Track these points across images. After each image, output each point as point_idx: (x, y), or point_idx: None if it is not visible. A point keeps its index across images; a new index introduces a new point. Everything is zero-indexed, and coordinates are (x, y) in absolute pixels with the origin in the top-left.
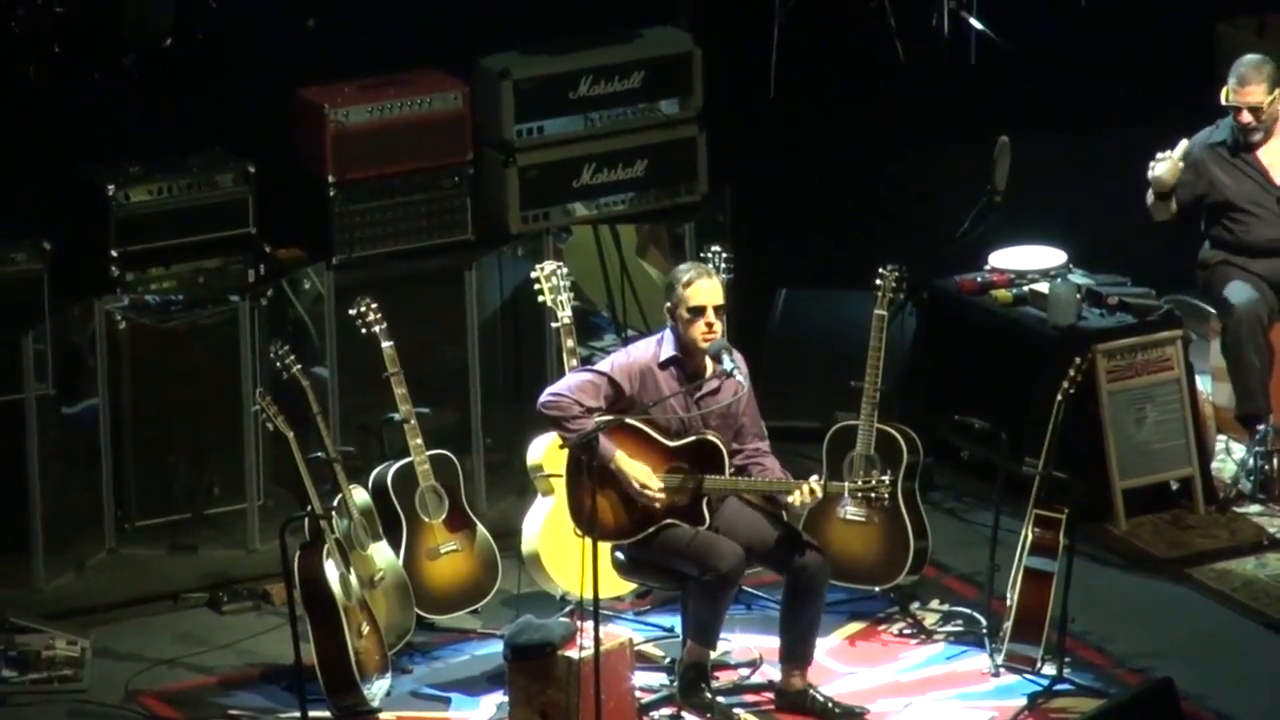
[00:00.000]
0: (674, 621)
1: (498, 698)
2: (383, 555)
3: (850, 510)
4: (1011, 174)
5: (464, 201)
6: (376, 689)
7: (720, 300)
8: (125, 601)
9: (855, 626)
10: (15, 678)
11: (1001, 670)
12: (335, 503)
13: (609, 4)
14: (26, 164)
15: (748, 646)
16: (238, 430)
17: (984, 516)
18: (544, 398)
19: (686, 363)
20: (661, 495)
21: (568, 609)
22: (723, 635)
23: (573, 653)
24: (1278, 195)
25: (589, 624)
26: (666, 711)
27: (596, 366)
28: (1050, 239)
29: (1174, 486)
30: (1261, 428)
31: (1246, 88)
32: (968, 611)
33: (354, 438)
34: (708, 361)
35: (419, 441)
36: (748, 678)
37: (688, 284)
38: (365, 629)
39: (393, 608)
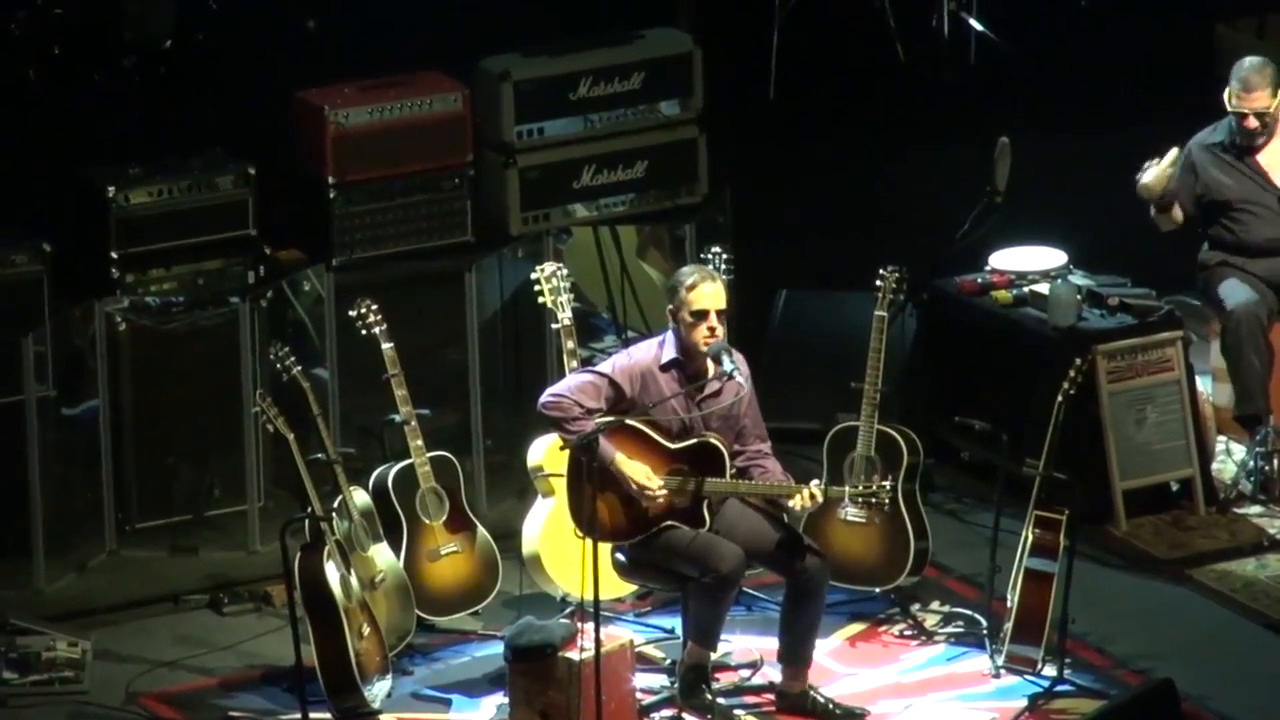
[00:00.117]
0: (674, 623)
1: (498, 699)
2: (383, 557)
3: (851, 512)
4: (1012, 175)
5: (464, 203)
6: (377, 690)
7: (723, 304)
8: (126, 603)
9: (856, 628)
10: (16, 679)
11: (1002, 671)
12: (336, 504)
13: (609, 5)
14: (27, 165)
15: (748, 648)
16: (238, 432)
17: (984, 518)
18: (544, 399)
19: (688, 365)
20: (662, 494)
21: (568, 610)
22: (723, 637)
23: (573, 654)
24: (1277, 195)
25: (589, 625)
26: (667, 713)
27: (597, 368)
28: (1050, 240)
29: (1174, 487)
30: (1262, 428)
31: (1253, 94)
32: (968, 613)
33: (354, 439)
34: (709, 363)
35: (419, 443)
36: (748, 679)
37: (691, 287)
38: (366, 630)
39: (393, 609)
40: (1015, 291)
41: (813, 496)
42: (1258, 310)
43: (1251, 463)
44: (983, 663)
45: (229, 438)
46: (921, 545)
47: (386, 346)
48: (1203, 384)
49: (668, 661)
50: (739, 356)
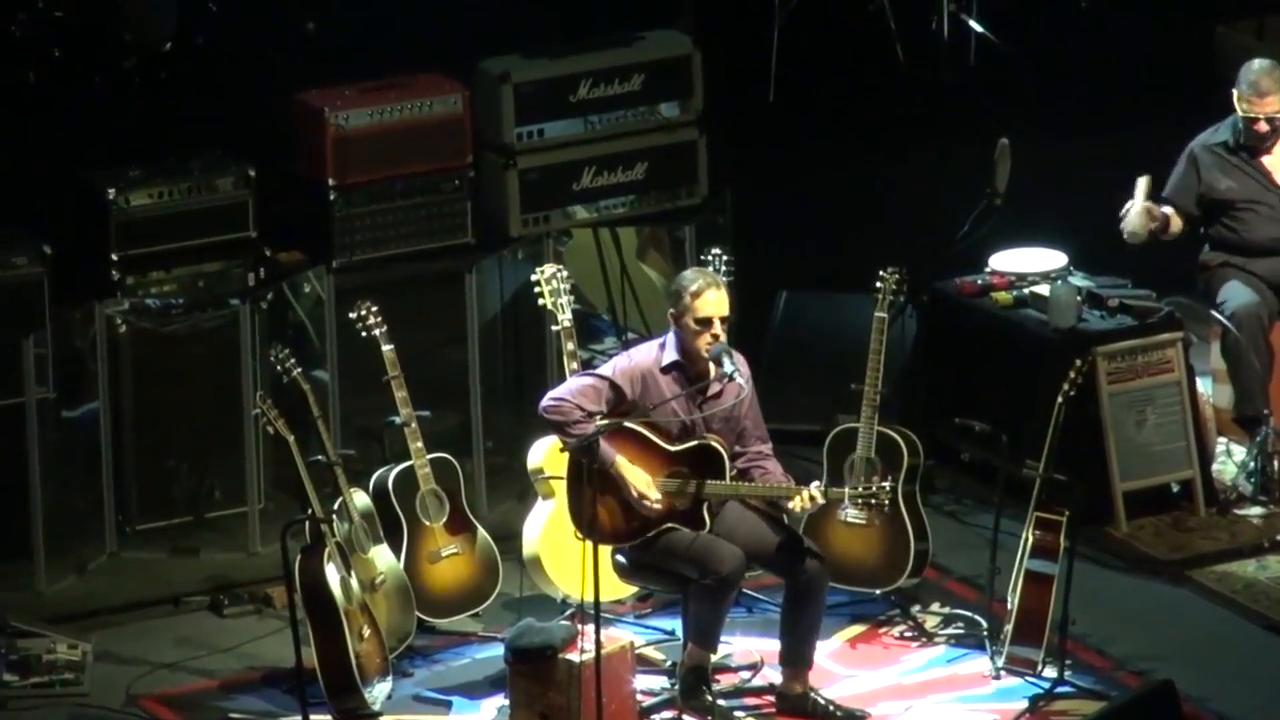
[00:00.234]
0: (675, 624)
1: (499, 701)
2: (383, 558)
3: (851, 513)
4: (1012, 176)
5: (464, 205)
6: (377, 692)
7: (727, 311)
8: (126, 605)
9: (856, 629)
10: (16, 681)
11: (1002, 673)
12: (336, 506)
13: (609, 7)
14: (27, 168)
15: (748, 649)
16: (238, 434)
17: (985, 519)
18: (545, 402)
19: (689, 367)
20: (659, 505)
21: (568, 612)
22: (723, 638)
23: (574, 656)
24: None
25: (590, 627)
26: (667, 714)
27: (598, 371)
28: (1050, 241)
29: (1174, 488)
30: (1262, 429)
31: (1266, 98)
32: (968, 614)
33: (355, 441)
34: (710, 365)
35: (420, 445)
36: (749, 680)
37: (696, 294)
38: (366, 632)
39: (394, 611)
40: (1015, 293)
41: (813, 498)
42: (1259, 311)
43: (1251, 464)
44: (983, 664)
45: (229, 440)
46: (922, 547)
47: (387, 348)
48: (1203, 385)
49: (668, 663)
50: (739, 358)
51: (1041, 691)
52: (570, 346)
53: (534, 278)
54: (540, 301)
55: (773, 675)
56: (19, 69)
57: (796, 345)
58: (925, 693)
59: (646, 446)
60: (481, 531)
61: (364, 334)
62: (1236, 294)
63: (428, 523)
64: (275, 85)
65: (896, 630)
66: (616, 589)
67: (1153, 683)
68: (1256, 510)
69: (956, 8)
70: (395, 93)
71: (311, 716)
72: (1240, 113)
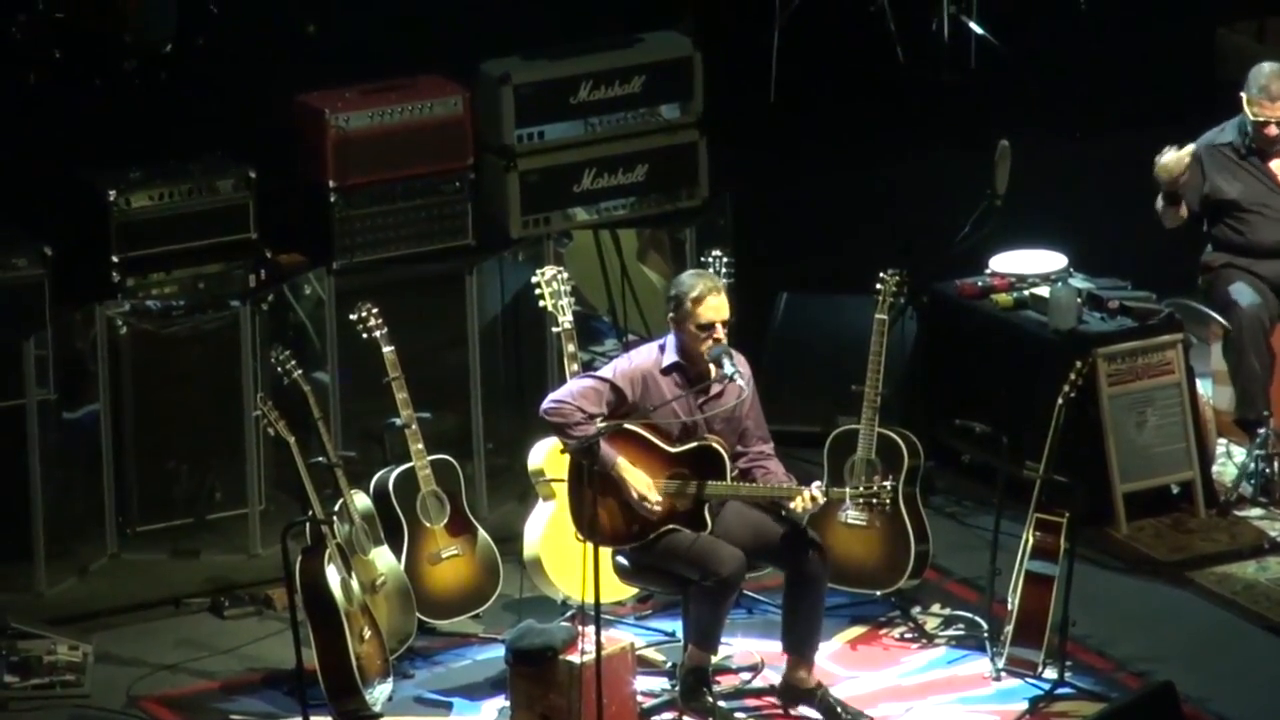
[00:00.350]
0: (675, 626)
1: (499, 702)
2: (384, 560)
3: (851, 515)
4: (1012, 178)
5: (465, 206)
6: (378, 694)
7: (728, 314)
8: (127, 606)
9: (856, 630)
10: (17, 683)
11: (1003, 674)
12: (337, 507)
13: (609, 9)
14: (28, 169)
15: (749, 651)
16: (239, 435)
17: (985, 520)
18: (546, 403)
19: (689, 369)
20: (660, 508)
21: (569, 614)
22: (724, 639)
23: (574, 657)
24: None
25: (590, 628)
26: (668, 716)
27: (599, 372)
28: (1051, 243)
29: (1175, 490)
30: (1262, 431)
31: (1278, 102)
32: (969, 615)
33: (355, 443)
34: (711, 366)
35: (420, 446)
36: (749, 682)
37: (698, 299)
38: (367, 634)
39: (394, 612)
40: (1015, 294)
41: (814, 498)
42: (1260, 313)
43: (1252, 465)
44: (983, 665)
45: (230, 441)
46: (922, 548)
47: (387, 350)
48: (1203, 387)
49: (668, 664)
50: (740, 358)
51: (1042, 693)
52: (571, 348)
53: (534, 279)
54: (541, 303)
55: (773, 676)
56: (20, 70)
57: (797, 347)
58: (926, 694)
59: (647, 448)
60: (482, 533)
61: (364, 335)
62: (1239, 295)
63: (428, 524)
64: (276, 87)
65: (897, 632)
66: (617, 590)
67: (1153, 684)
68: (1257, 512)
69: (957, 9)
70: (396, 94)
71: (312, 718)
72: (1250, 116)
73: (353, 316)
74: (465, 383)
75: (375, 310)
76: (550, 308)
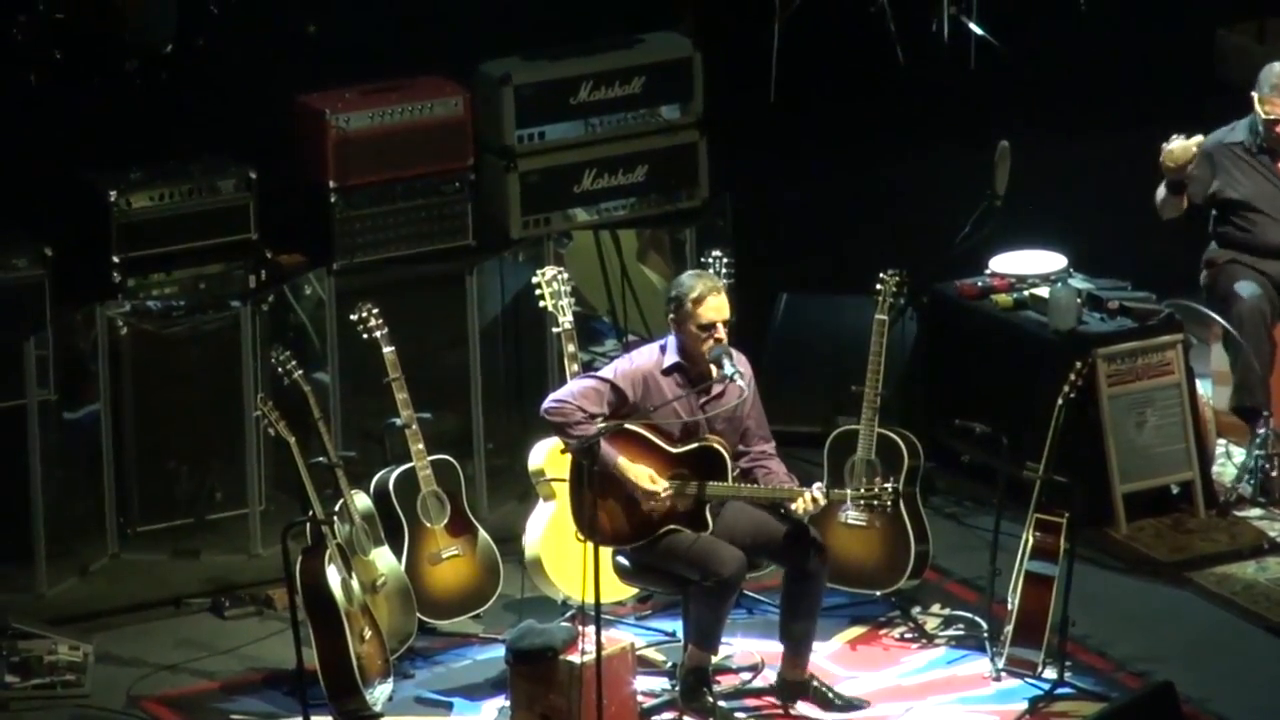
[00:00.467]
0: (675, 626)
1: (499, 702)
2: (384, 560)
3: (851, 515)
4: (1012, 178)
5: (465, 207)
6: (378, 694)
7: (728, 314)
8: (127, 607)
9: (856, 631)
10: (18, 683)
11: (1002, 674)
12: (337, 508)
13: (609, 10)
14: (28, 169)
15: (749, 651)
16: (239, 435)
17: (985, 521)
18: (547, 403)
19: (690, 369)
20: (666, 496)
21: (569, 614)
22: (724, 639)
23: (574, 657)
24: None
25: (590, 628)
26: (668, 716)
27: (600, 373)
28: (1050, 243)
29: (1174, 490)
30: (1262, 431)
31: None
32: (969, 616)
33: (355, 443)
34: (711, 367)
35: (420, 446)
36: (749, 682)
37: (699, 300)
38: (367, 634)
39: (394, 612)
40: (1015, 295)
41: (815, 500)
42: (1261, 305)
43: (1251, 465)
44: (983, 665)
45: (230, 441)
46: (922, 548)
47: (387, 350)
48: (1203, 387)
49: (669, 664)
50: (740, 357)
51: (1041, 693)
52: (571, 348)
53: (535, 280)
54: (541, 304)
55: (774, 676)
56: (20, 71)
57: (797, 347)
58: (925, 694)
59: (648, 448)
60: (482, 533)
61: (365, 336)
62: (1240, 288)
63: (429, 524)
64: (276, 87)
65: (897, 632)
66: (617, 590)
67: (1153, 684)
68: (1256, 512)
69: (956, 9)
70: (396, 95)
71: (313, 718)
72: (1261, 114)
73: (353, 317)
74: (465, 383)
75: (375, 310)
76: (550, 308)
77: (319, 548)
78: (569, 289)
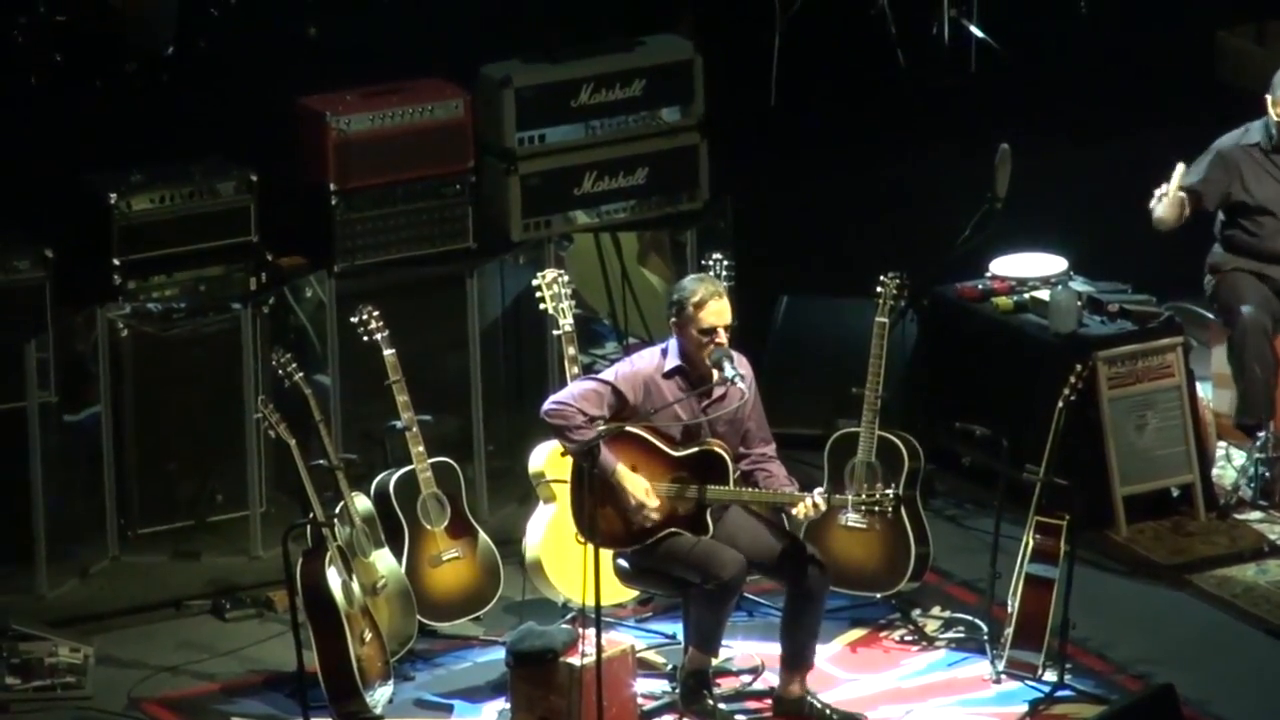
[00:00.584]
0: (676, 628)
1: (500, 705)
2: (385, 562)
3: (852, 518)
4: (1012, 181)
5: (465, 209)
6: (379, 696)
7: (729, 319)
8: (128, 609)
9: (857, 633)
10: (18, 685)
11: (1003, 677)
12: (337, 510)
13: (610, 12)
14: (29, 171)
15: (749, 653)
16: (240, 437)
17: (985, 523)
18: (547, 406)
19: (691, 373)
20: (656, 516)
21: (569, 616)
22: (724, 642)
23: (575, 659)
24: None
25: (591, 631)
26: (668, 718)
27: (601, 376)
28: (1051, 246)
29: (1175, 493)
30: (1262, 434)
31: None
32: (969, 618)
33: (356, 445)
34: (713, 370)
35: (421, 449)
36: (750, 684)
37: (700, 304)
38: (367, 636)
39: (395, 615)
40: (1016, 298)
41: (816, 505)
42: (1262, 319)
43: (1252, 468)
44: (983, 668)
45: (231, 443)
46: (922, 551)
47: (388, 352)
48: (1203, 390)
49: (669, 667)
50: (741, 359)
51: (1042, 695)
52: (571, 351)
53: (535, 282)
54: (541, 306)
55: (774, 679)
56: (21, 73)
57: (797, 350)
58: (925, 696)
59: (649, 451)
60: (483, 535)
61: (365, 338)
62: (1242, 300)
63: (429, 526)
64: (277, 89)
65: (897, 634)
66: (617, 593)
67: (1153, 686)
68: (1256, 515)
69: (957, 13)
70: (397, 97)
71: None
72: (1275, 117)
73: (354, 319)
74: (466, 385)
75: (376, 313)
76: (551, 310)
77: (319, 550)
78: (569, 291)
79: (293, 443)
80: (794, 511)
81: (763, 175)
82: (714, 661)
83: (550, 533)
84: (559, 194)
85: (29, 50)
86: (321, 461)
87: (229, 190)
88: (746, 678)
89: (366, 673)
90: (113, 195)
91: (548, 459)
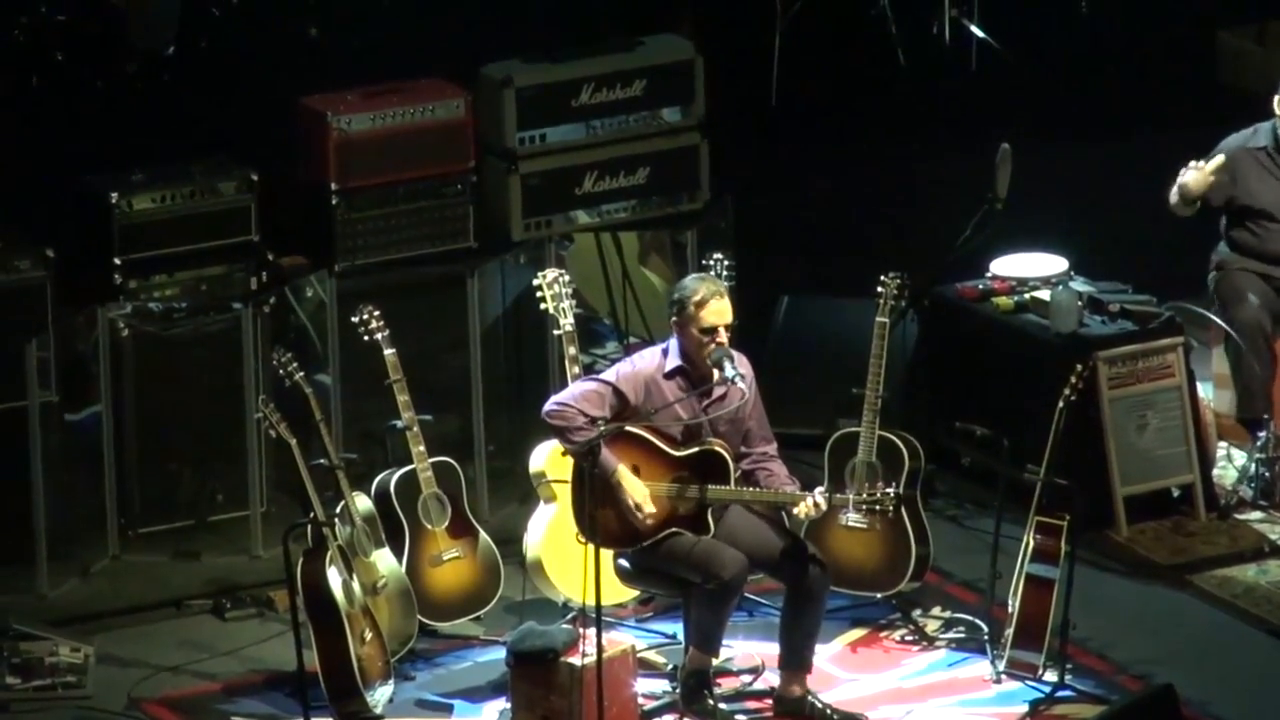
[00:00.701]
0: (676, 628)
1: (500, 704)
2: (385, 562)
3: (852, 518)
4: (1013, 181)
5: (466, 209)
6: (379, 696)
7: (730, 318)
8: (128, 608)
9: (857, 633)
10: (19, 684)
11: (1003, 677)
12: (338, 509)
13: (611, 12)
14: (30, 172)
15: (750, 653)
16: (241, 437)
17: (985, 523)
18: (548, 406)
19: (692, 372)
20: (651, 522)
21: (570, 616)
22: (725, 642)
23: (575, 659)
24: None
25: (591, 631)
26: (669, 718)
27: (602, 376)
28: (1051, 246)
29: (1175, 493)
30: (1263, 434)
31: None
32: (969, 618)
33: (356, 445)
34: (714, 369)
35: (421, 448)
36: (750, 684)
37: (701, 304)
38: (368, 635)
39: (395, 614)
40: (1016, 298)
41: (817, 505)
42: (1262, 318)
43: (1252, 468)
44: (984, 668)
45: (231, 443)
46: (922, 551)
47: (389, 352)
48: (1203, 390)
49: (669, 667)
50: (741, 359)
51: (1042, 695)
52: (572, 351)
53: (536, 282)
54: (542, 306)
55: (774, 679)
56: (22, 73)
57: (798, 350)
58: (926, 696)
59: (650, 451)
60: (483, 535)
61: (366, 338)
62: (1245, 299)
63: (430, 526)
64: (278, 89)
65: (897, 634)
66: (618, 593)
67: (1153, 687)
68: (1257, 515)
69: (958, 12)
70: (398, 97)
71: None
72: None
73: (354, 319)
74: (467, 385)
75: (377, 312)
76: (551, 310)
77: (320, 549)
78: (570, 291)
79: (293, 442)
80: (795, 511)
81: (763, 175)
82: (715, 661)
83: (551, 533)
84: (560, 194)
85: (30, 50)
86: (322, 461)
87: (230, 190)
88: (747, 678)
89: (367, 672)
90: (114, 195)
91: (548, 459)
